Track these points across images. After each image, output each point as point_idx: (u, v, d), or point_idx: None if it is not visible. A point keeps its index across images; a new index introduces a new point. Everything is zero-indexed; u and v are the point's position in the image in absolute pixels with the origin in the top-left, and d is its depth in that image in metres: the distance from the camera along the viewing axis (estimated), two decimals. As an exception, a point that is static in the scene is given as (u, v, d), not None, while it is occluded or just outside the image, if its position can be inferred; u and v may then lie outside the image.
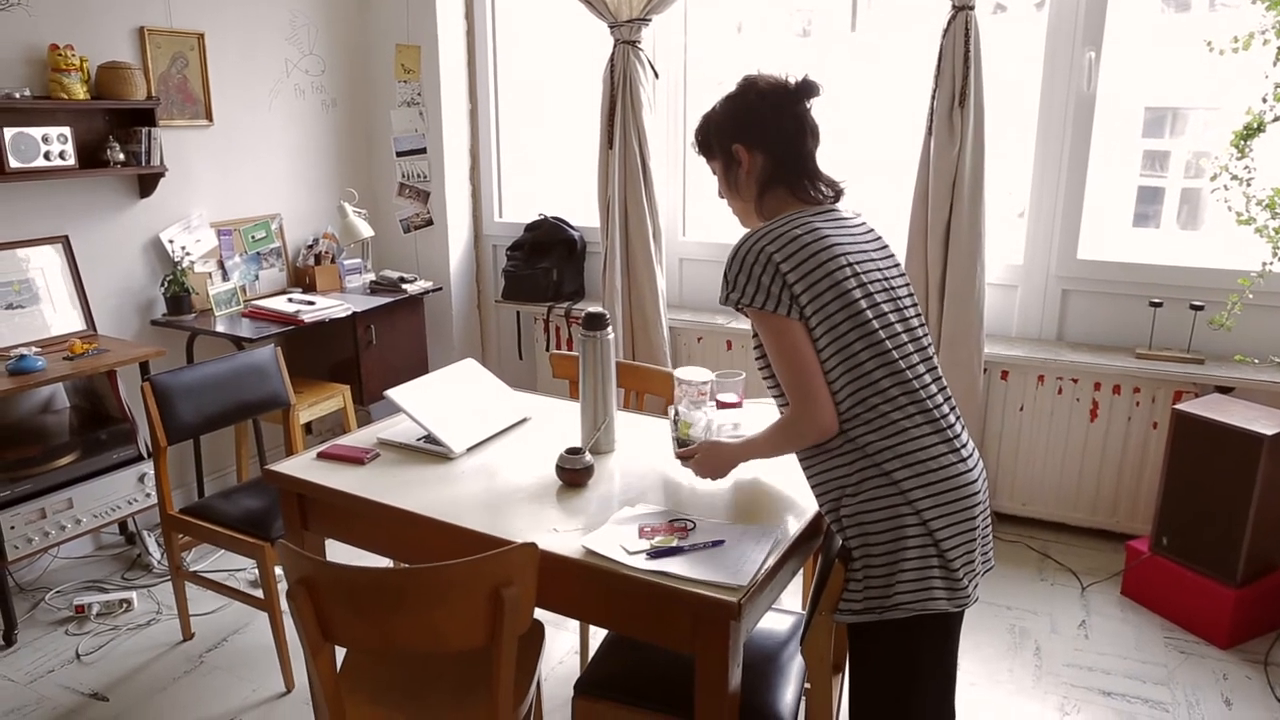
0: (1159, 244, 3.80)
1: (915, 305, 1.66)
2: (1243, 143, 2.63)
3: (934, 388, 1.59)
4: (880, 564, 1.52)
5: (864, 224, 1.70)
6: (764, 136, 1.65)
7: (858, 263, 1.59)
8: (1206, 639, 2.79)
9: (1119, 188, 3.82)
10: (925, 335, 1.65)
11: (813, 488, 1.65)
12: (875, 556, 1.52)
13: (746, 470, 1.98)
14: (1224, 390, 3.00)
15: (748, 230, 1.63)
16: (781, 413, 1.64)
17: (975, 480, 1.57)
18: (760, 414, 2.14)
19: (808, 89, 1.66)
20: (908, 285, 1.68)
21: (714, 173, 1.75)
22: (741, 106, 1.69)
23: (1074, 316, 3.41)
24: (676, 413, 2.03)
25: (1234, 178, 2.68)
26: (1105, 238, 3.48)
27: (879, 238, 1.71)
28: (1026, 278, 3.44)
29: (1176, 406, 2.84)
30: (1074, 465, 3.32)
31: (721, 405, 2.11)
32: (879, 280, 1.61)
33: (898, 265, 1.69)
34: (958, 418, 1.62)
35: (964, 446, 1.58)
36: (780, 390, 1.62)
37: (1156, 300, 3.16)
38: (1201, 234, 3.76)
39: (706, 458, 1.84)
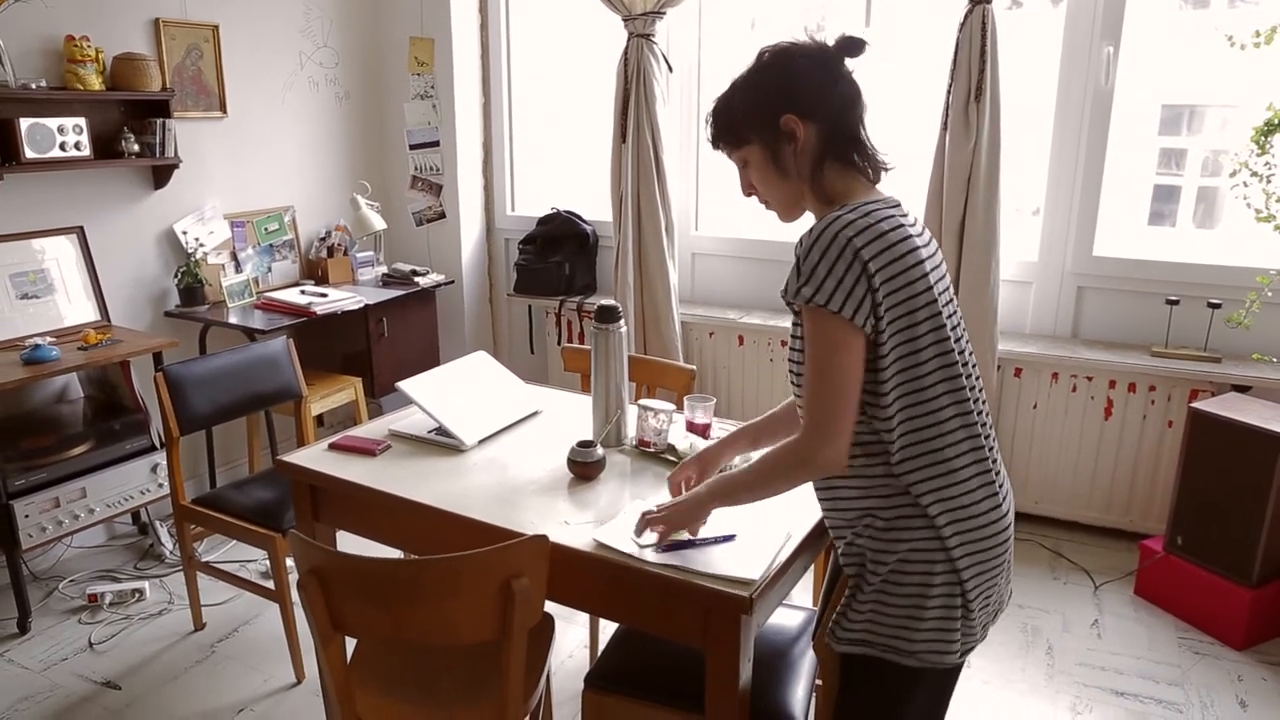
0: (1174, 242, 3.77)
1: (961, 318, 1.46)
2: (1263, 139, 2.60)
3: (987, 419, 1.44)
4: (899, 606, 1.39)
5: (913, 217, 1.47)
6: (820, 103, 1.42)
7: (932, 270, 1.38)
8: (1221, 640, 2.77)
9: (1135, 185, 3.79)
10: (973, 355, 1.46)
11: (827, 509, 1.50)
12: (894, 597, 1.39)
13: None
14: (1241, 389, 2.97)
15: (826, 216, 1.37)
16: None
17: (1009, 525, 1.45)
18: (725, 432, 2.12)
19: (852, 46, 1.43)
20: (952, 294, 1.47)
21: (742, 164, 1.51)
22: (789, 74, 1.44)
23: (1089, 314, 3.39)
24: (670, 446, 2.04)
25: (1254, 174, 2.65)
26: (1121, 235, 3.45)
27: (926, 232, 1.49)
28: (1041, 274, 3.41)
29: (1193, 405, 2.81)
30: (1088, 463, 3.30)
31: (691, 428, 2.11)
32: (945, 291, 1.41)
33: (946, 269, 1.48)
34: (996, 451, 1.46)
35: (1001, 487, 1.44)
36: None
37: (1173, 298, 3.13)
38: (1217, 233, 3.72)
39: (674, 512, 1.59)
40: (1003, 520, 1.44)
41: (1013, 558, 1.51)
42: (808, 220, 1.49)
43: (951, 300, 1.44)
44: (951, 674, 1.50)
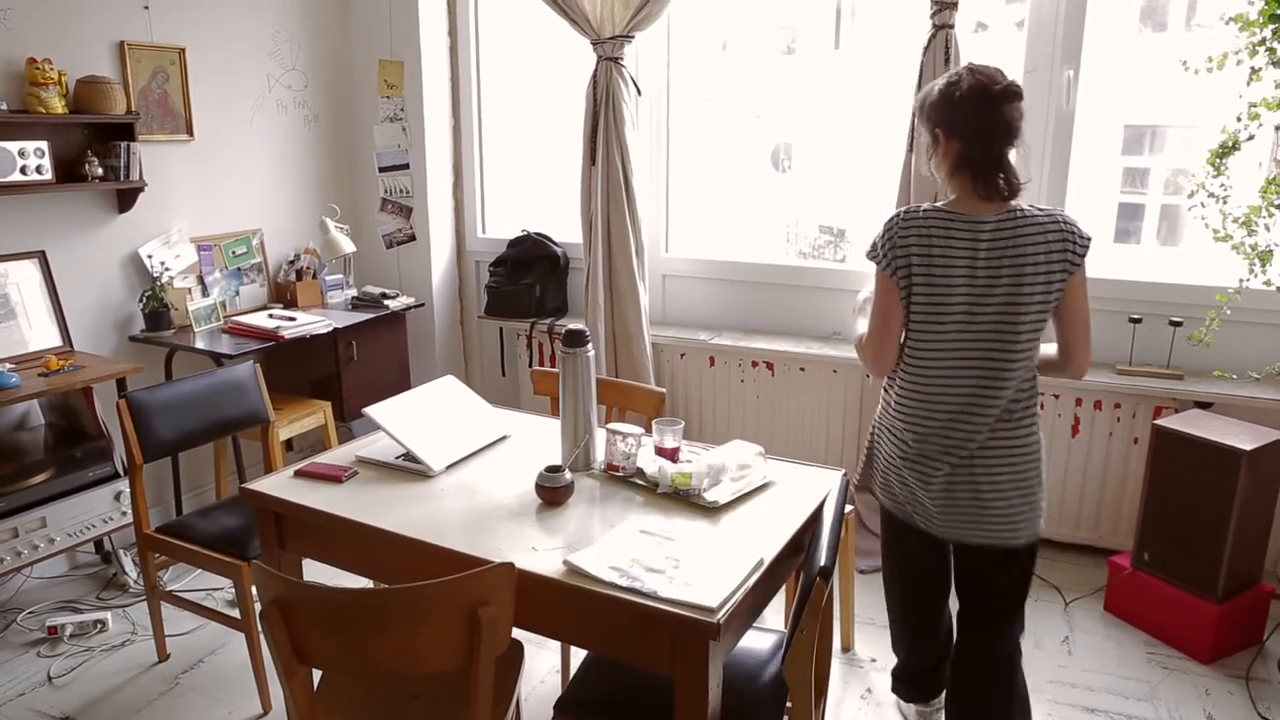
0: (1140, 260, 3.83)
1: (1019, 314, 1.87)
2: (1219, 161, 2.66)
3: (989, 379, 1.92)
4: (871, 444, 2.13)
5: (1015, 225, 1.88)
6: (961, 128, 1.91)
7: (966, 266, 1.88)
8: (1189, 654, 2.79)
9: (1099, 204, 3.85)
10: (998, 330, 1.89)
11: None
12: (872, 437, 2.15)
13: (729, 492, 1.97)
14: (1203, 406, 3.02)
15: (906, 206, 1.96)
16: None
17: (921, 450, 1.97)
18: (696, 457, 2.14)
19: (1011, 94, 1.88)
20: (1026, 296, 1.87)
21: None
22: (953, 98, 1.89)
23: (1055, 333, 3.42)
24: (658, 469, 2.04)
25: (1210, 195, 2.70)
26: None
27: (1031, 240, 1.88)
28: (1008, 294, 3.45)
29: (1156, 422, 2.85)
30: (1056, 481, 3.33)
31: (660, 451, 2.12)
32: (978, 279, 1.88)
33: (1038, 275, 1.87)
34: (977, 402, 1.92)
35: (940, 419, 1.95)
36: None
37: (1135, 316, 3.18)
38: (1182, 250, 3.79)
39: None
40: (940, 454, 1.95)
41: (948, 496, 1.97)
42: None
43: (1011, 287, 1.86)
44: (924, 536, 2.05)
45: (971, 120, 1.88)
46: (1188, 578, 2.79)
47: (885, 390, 2.08)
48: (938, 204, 1.94)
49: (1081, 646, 2.85)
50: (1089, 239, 1.92)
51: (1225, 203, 2.70)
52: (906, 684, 2.41)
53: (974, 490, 1.94)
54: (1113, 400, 3.19)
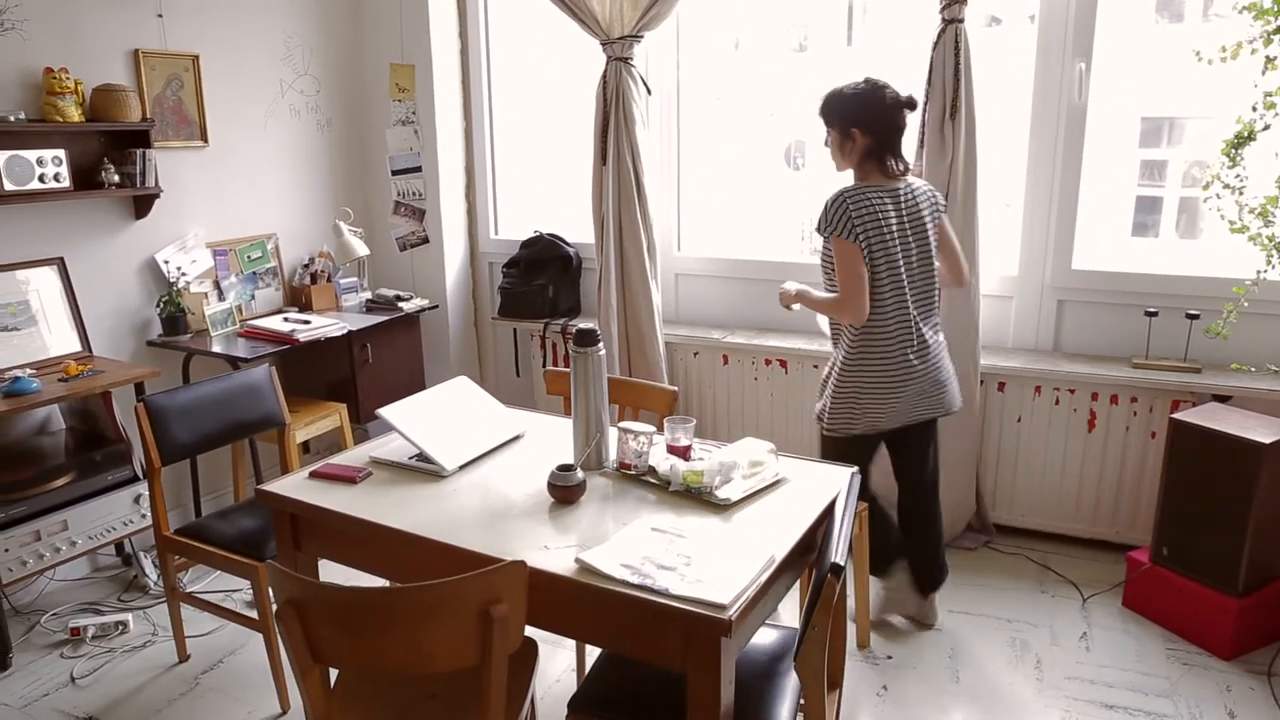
0: (1159, 253, 3.80)
1: (929, 255, 2.60)
2: (1234, 151, 2.63)
3: (926, 311, 2.62)
4: (841, 393, 2.63)
5: (914, 193, 2.59)
6: (877, 126, 2.53)
7: (897, 224, 2.53)
8: (1209, 650, 2.77)
9: (1116, 197, 3.82)
10: (926, 269, 2.60)
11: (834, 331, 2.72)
12: (840, 389, 2.64)
13: (741, 490, 1.97)
14: (1221, 399, 2.99)
15: (841, 189, 2.52)
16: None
17: (913, 369, 2.58)
18: (708, 455, 2.13)
19: (912, 104, 2.57)
20: (928, 240, 2.59)
21: (827, 134, 2.61)
22: (872, 102, 2.53)
23: (1070, 327, 3.40)
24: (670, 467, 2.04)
25: (1226, 186, 2.68)
26: (1101, 247, 3.48)
27: (923, 202, 2.60)
28: (1021, 288, 3.43)
29: (1174, 416, 2.83)
30: (1073, 476, 3.31)
31: (672, 449, 2.12)
32: (909, 237, 2.56)
33: (933, 223, 2.61)
34: (929, 330, 2.62)
35: (917, 346, 2.58)
36: (829, 283, 2.58)
37: (1152, 310, 3.15)
38: (1202, 242, 3.75)
39: (781, 295, 2.80)
40: (905, 364, 2.57)
41: (916, 390, 2.61)
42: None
43: (919, 237, 2.58)
44: (876, 435, 2.68)
45: (882, 119, 2.52)
46: (1207, 573, 2.76)
47: (849, 340, 2.59)
48: (861, 184, 2.55)
49: (1100, 643, 2.83)
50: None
51: (1241, 194, 2.67)
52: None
53: (934, 381, 2.62)
54: (1129, 394, 3.16)
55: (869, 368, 2.58)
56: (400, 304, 3.96)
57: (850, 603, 2.75)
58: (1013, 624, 2.94)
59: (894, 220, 2.51)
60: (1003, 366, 3.29)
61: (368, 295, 4.11)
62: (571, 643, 2.83)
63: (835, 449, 2.68)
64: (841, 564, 1.56)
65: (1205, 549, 2.76)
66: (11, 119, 2.90)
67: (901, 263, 2.54)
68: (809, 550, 1.91)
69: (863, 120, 2.52)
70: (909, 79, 3.37)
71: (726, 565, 1.65)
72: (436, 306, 4.26)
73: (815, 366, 3.58)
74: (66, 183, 3.02)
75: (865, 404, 2.60)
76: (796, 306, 2.78)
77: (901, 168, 2.57)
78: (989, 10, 3.53)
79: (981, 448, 3.42)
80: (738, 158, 4.11)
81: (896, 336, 2.56)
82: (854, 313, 2.50)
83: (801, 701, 1.83)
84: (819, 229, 2.54)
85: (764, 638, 2.01)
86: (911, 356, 2.57)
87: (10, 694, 2.68)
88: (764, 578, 1.63)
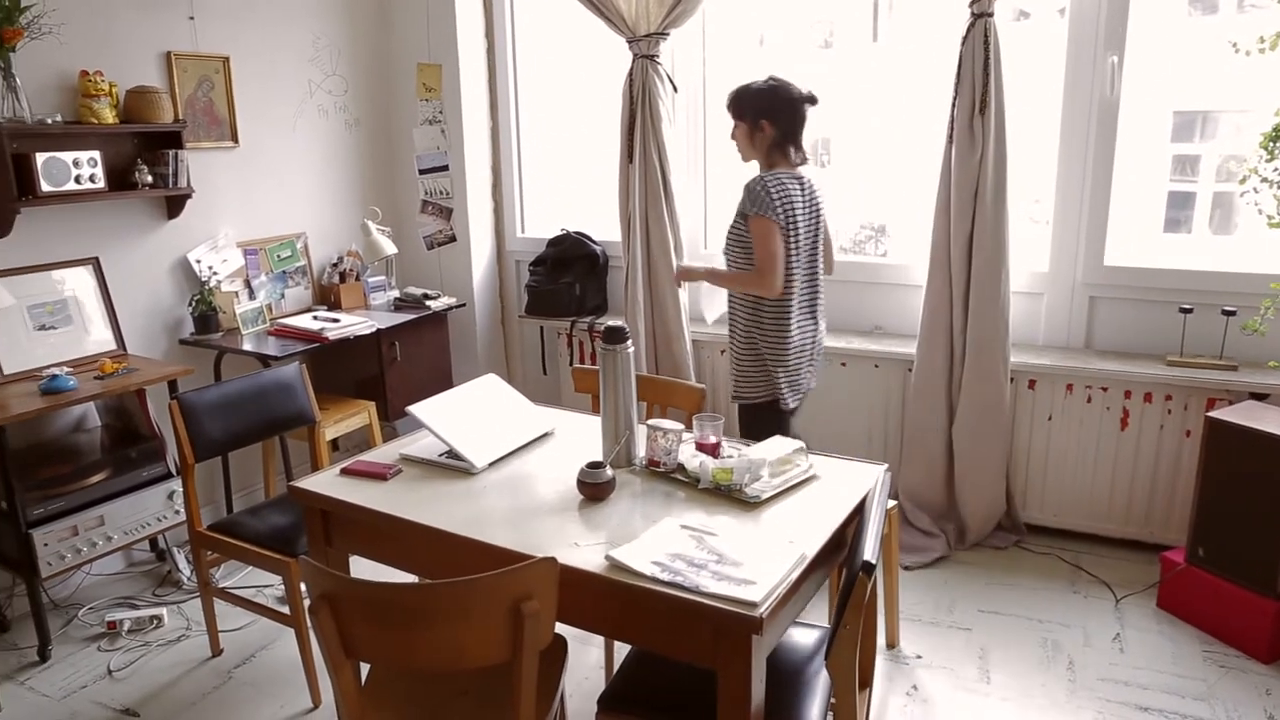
0: (1192, 249, 3.74)
1: (817, 240, 2.87)
2: (1272, 144, 2.59)
3: (816, 288, 2.90)
4: (747, 362, 2.86)
5: (811, 184, 2.84)
6: (784, 119, 2.75)
7: (802, 209, 2.77)
8: (1247, 653, 2.72)
9: (1149, 193, 3.76)
10: (818, 250, 2.89)
11: (731, 305, 2.91)
12: (744, 364, 2.87)
13: (771, 487, 1.97)
14: (1258, 397, 2.94)
15: (760, 174, 2.73)
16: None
17: (808, 345, 2.87)
18: (737, 453, 2.12)
19: (813, 99, 2.77)
20: (818, 226, 2.86)
21: (736, 126, 2.80)
22: (780, 97, 2.74)
23: (1102, 324, 3.36)
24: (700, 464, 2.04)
25: (1264, 180, 2.63)
26: (1134, 244, 3.43)
27: (819, 192, 2.86)
28: (1052, 285, 3.39)
29: (1210, 414, 2.78)
30: (1105, 475, 3.27)
31: (701, 447, 2.11)
32: (808, 222, 2.81)
33: (821, 212, 2.87)
34: (817, 303, 2.90)
35: (813, 321, 2.89)
36: (741, 261, 2.77)
37: (1186, 306, 3.11)
38: (1235, 238, 3.69)
39: (682, 272, 3.14)
40: (808, 332, 2.86)
41: (807, 360, 2.89)
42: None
43: (813, 223, 2.83)
44: (772, 407, 2.87)
45: (789, 112, 2.74)
46: (1245, 574, 2.72)
47: (761, 315, 2.79)
48: (774, 170, 2.74)
49: (1134, 644, 2.79)
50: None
51: (1279, 187, 2.63)
52: None
53: (820, 353, 2.95)
54: (1163, 392, 3.12)
55: (776, 337, 2.78)
56: (428, 302, 3.98)
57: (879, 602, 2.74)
58: (1044, 624, 2.91)
59: (800, 205, 2.75)
60: (1033, 364, 3.25)
61: (396, 294, 4.14)
62: (600, 639, 2.83)
63: (752, 416, 2.91)
64: (874, 562, 1.55)
65: (1242, 550, 2.72)
66: (49, 121, 2.95)
67: (805, 243, 2.79)
68: (839, 548, 1.90)
69: (771, 113, 2.72)
70: (936, 74, 3.35)
71: (757, 563, 1.65)
72: (464, 305, 4.28)
73: (843, 364, 3.57)
74: (101, 184, 3.06)
75: (771, 371, 2.82)
76: (693, 284, 3.04)
77: (800, 159, 2.79)
78: (1018, 4, 3.49)
79: (1012, 446, 3.38)
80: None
81: (801, 308, 2.83)
82: (770, 286, 2.67)
83: (832, 700, 1.83)
84: (742, 209, 2.71)
85: (794, 636, 2.00)
86: (809, 326, 2.86)
87: (51, 685, 2.73)
88: (795, 575, 1.63)
